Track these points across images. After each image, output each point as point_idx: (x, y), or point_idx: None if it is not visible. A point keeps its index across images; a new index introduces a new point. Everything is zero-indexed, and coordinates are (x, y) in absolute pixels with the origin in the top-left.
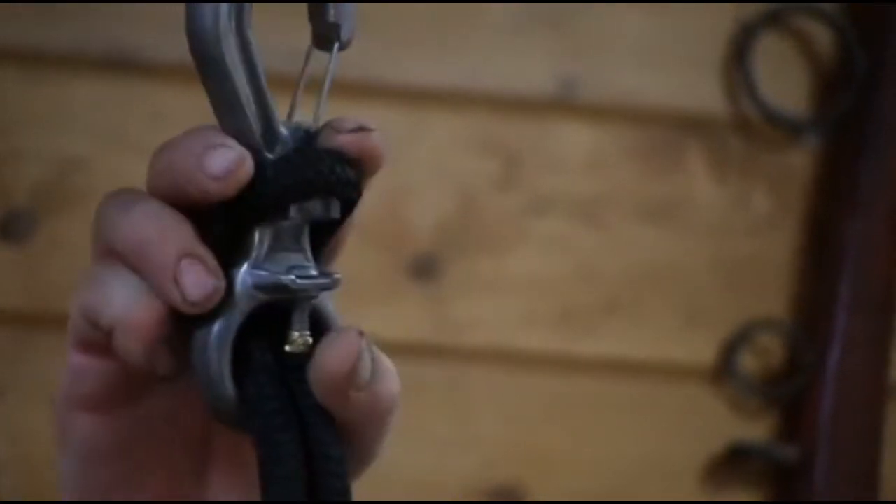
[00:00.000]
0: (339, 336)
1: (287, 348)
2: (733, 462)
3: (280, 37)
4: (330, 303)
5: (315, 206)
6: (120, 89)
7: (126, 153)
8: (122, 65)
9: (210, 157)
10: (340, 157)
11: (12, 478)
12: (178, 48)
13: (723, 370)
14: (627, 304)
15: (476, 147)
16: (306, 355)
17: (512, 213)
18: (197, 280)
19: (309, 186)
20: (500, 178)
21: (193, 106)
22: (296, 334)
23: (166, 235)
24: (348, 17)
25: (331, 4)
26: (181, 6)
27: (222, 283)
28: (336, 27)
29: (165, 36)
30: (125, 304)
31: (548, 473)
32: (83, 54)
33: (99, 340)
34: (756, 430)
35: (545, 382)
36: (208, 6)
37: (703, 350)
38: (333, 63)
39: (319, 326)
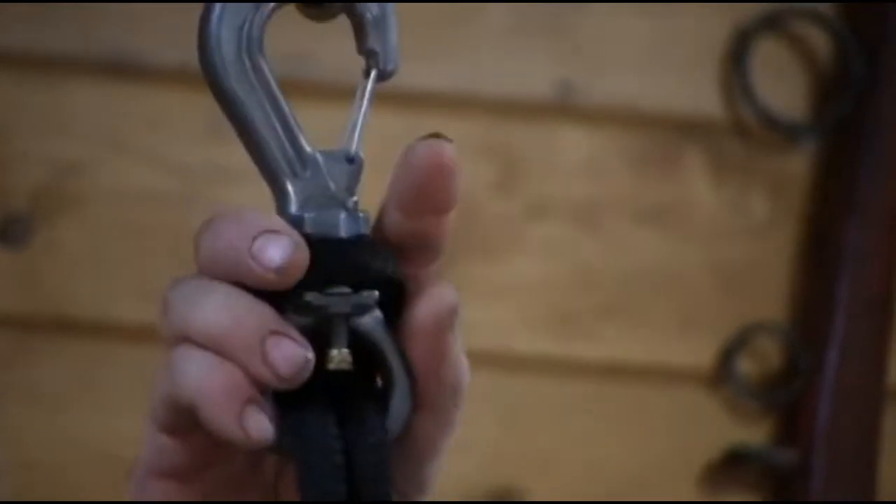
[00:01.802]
0: (440, 286)
1: (329, 367)
2: (731, 466)
3: (286, 41)
4: (380, 327)
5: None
6: (118, 93)
7: (125, 157)
8: (120, 69)
9: (263, 248)
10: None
11: (11, 482)
12: (176, 52)
13: (720, 374)
14: (625, 308)
15: (474, 151)
16: (349, 374)
17: (510, 217)
18: (286, 355)
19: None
20: (498, 182)
21: (192, 110)
22: (334, 352)
23: (245, 322)
24: (389, 46)
25: (371, 31)
26: (180, 10)
27: (311, 355)
28: (374, 54)
29: (164, 40)
30: (199, 375)
31: (545, 477)
32: (82, 58)
33: (183, 424)
34: (754, 434)
35: (543, 386)
36: (212, 37)
37: (700, 354)
38: (370, 91)
39: (368, 349)
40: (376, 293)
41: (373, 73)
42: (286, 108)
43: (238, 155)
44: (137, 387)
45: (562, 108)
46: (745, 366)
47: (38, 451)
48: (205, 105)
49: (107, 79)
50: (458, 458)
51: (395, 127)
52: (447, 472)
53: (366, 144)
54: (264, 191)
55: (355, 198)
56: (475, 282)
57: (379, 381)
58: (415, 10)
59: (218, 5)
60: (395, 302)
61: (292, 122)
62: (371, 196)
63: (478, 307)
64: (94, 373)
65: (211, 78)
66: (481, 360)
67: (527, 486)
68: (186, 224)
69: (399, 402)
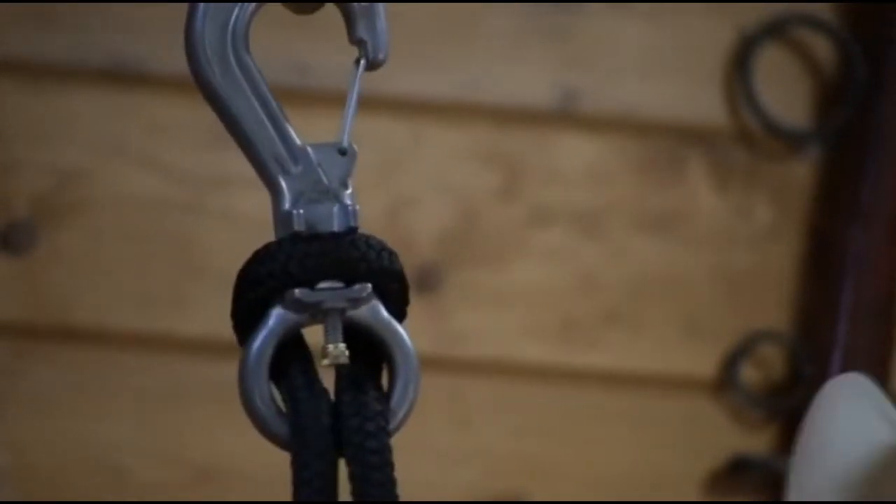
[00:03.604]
0: None
1: (324, 362)
2: (734, 474)
3: (285, 51)
4: (380, 318)
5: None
6: (120, 100)
7: (126, 164)
8: (121, 76)
9: None
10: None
11: (12, 486)
12: (177, 60)
13: (724, 382)
14: (628, 315)
15: (477, 158)
16: (347, 367)
17: (513, 224)
18: None
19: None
20: (502, 189)
21: (193, 117)
22: (330, 347)
23: None
24: (378, 36)
25: (360, 21)
26: (181, 18)
27: None
28: (363, 44)
29: (165, 47)
30: None
31: (549, 484)
32: (83, 65)
33: None
34: (757, 442)
35: (546, 394)
36: (197, 35)
37: (704, 362)
38: (357, 80)
39: (369, 340)
40: (370, 286)
41: (361, 63)
42: (274, 104)
43: (240, 162)
44: (138, 394)
45: (565, 116)
46: (749, 373)
47: (40, 456)
48: (207, 112)
49: (108, 86)
50: (463, 464)
51: (398, 134)
52: (452, 477)
53: (370, 151)
54: (266, 198)
55: (349, 190)
56: (478, 289)
57: (379, 371)
58: (418, 19)
59: (202, 4)
60: (397, 291)
61: (281, 117)
62: (374, 200)
63: (481, 315)
64: (95, 379)
65: (198, 76)
66: (485, 367)
67: (531, 492)
68: (188, 231)
69: (402, 391)
